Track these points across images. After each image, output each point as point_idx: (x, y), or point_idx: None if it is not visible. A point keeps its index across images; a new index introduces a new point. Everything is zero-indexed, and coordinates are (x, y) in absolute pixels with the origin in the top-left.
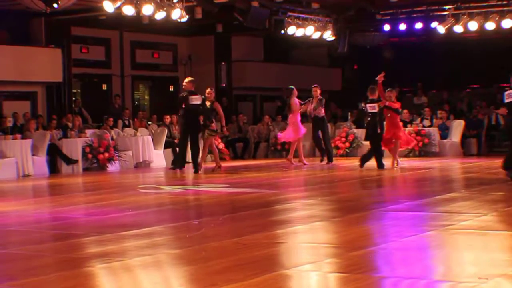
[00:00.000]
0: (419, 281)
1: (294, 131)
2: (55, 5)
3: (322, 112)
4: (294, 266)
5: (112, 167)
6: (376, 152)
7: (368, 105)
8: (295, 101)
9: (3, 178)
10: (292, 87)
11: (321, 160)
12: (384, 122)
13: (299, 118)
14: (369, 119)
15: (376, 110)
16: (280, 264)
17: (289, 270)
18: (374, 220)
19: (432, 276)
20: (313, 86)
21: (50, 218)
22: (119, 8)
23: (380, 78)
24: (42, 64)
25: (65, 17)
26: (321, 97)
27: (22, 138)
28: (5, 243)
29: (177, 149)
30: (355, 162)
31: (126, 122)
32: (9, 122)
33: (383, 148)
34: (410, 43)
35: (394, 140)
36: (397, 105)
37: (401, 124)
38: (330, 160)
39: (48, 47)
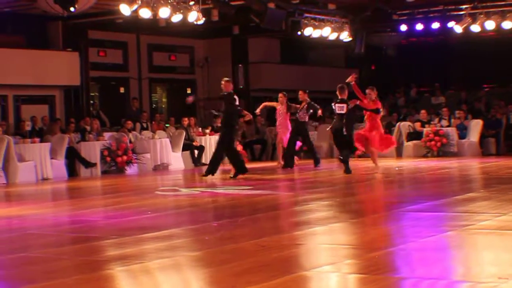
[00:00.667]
0: (438, 281)
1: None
2: (72, 9)
3: (306, 117)
4: (313, 268)
5: (131, 170)
6: (344, 155)
7: (337, 105)
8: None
9: (22, 181)
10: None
11: (284, 166)
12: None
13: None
14: (334, 120)
15: (344, 111)
16: (299, 265)
17: (308, 271)
18: (393, 220)
19: (452, 277)
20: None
21: (69, 221)
22: (135, 11)
23: (351, 79)
24: (60, 68)
25: (82, 21)
26: (310, 102)
27: (42, 141)
28: (25, 246)
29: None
30: (372, 163)
31: (144, 125)
32: (28, 126)
33: (356, 146)
34: (427, 43)
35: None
36: (375, 105)
37: (380, 125)
38: (317, 163)
39: (66, 50)
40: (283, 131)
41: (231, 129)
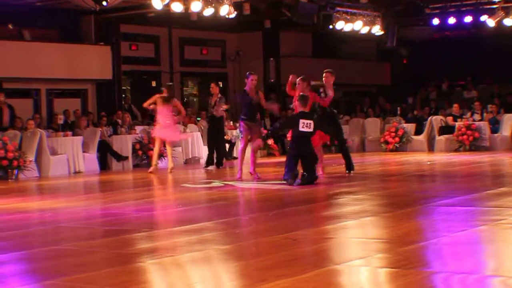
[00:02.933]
0: (470, 276)
1: None
2: (104, 3)
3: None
4: (344, 262)
5: (162, 163)
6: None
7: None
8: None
9: (54, 175)
10: None
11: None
12: None
13: None
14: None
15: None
16: (330, 259)
17: (339, 265)
18: (425, 215)
19: (483, 271)
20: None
21: (100, 214)
22: (167, 5)
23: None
24: (92, 62)
25: (114, 15)
26: (221, 95)
27: (73, 135)
28: (57, 239)
29: None
30: (405, 157)
31: None
32: (60, 120)
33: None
34: (460, 36)
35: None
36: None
37: None
38: (219, 164)
39: (98, 44)
40: None
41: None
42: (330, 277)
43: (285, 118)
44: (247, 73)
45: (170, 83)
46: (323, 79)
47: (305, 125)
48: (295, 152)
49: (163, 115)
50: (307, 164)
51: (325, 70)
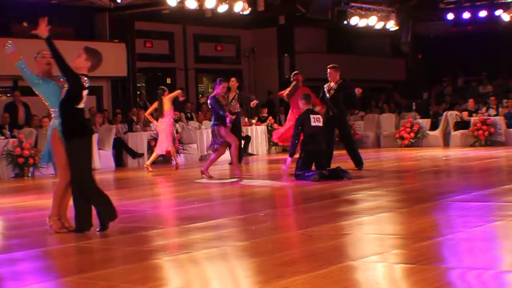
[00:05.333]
0: (486, 271)
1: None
2: (118, 0)
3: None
4: (360, 258)
5: (178, 160)
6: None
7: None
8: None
9: None
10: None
11: None
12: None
13: None
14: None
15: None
16: (346, 255)
17: (355, 261)
18: (441, 210)
19: (500, 267)
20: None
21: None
22: (182, 1)
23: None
24: (107, 59)
25: (129, 12)
26: (239, 91)
27: None
28: (73, 236)
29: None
30: (420, 152)
31: (188, 115)
32: None
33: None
34: (474, 31)
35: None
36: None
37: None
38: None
39: (113, 42)
40: None
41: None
42: (346, 273)
43: (295, 127)
44: (218, 79)
45: (160, 88)
46: (328, 75)
47: (316, 120)
48: (312, 148)
49: (162, 121)
50: (322, 160)
51: (328, 66)
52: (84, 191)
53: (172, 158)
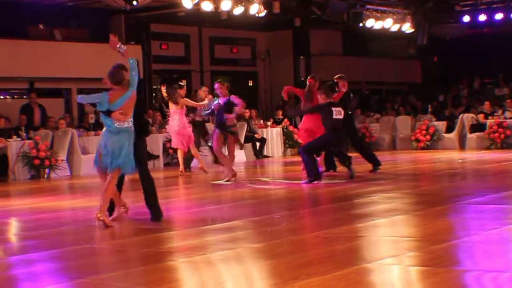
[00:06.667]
0: (502, 274)
1: None
2: (134, 3)
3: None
4: (375, 260)
5: (193, 162)
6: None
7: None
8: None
9: (85, 174)
10: None
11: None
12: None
13: None
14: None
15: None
16: (361, 257)
17: (370, 263)
18: (456, 213)
19: None
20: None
21: (132, 213)
22: (197, 4)
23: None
24: (122, 61)
25: (145, 14)
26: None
27: None
28: (89, 238)
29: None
30: (436, 155)
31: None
32: (91, 119)
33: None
34: (491, 34)
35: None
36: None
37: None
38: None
39: (128, 44)
40: None
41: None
42: (361, 276)
43: (317, 106)
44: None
45: (177, 84)
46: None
47: (338, 113)
48: (334, 139)
49: (171, 119)
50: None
51: (336, 78)
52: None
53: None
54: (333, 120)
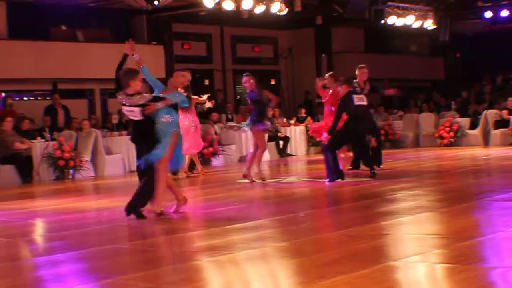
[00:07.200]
0: None
1: None
2: (156, 2)
3: None
4: (401, 258)
5: (216, 161)
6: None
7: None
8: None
9: (110, 174)
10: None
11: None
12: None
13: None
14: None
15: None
16: (387, 255)
17: (396, 261)
18: (481, 210)
19: None
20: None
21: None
22: (219, 3)
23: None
24: (145, 61)
25: (166, 14)
26: None
27: (128, 134)
28: (115, 238)
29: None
30: (460, 152)
31: (229, 116)
32: (114, 119)
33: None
34: None
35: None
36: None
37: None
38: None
39: (151, 44)
40: None
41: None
42: (387, 274)
43: (337, 108)
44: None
45: None
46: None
47: (359, 99)
48: (355, 128)
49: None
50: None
51: (360, 66)
52: None
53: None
54: (354, 107)
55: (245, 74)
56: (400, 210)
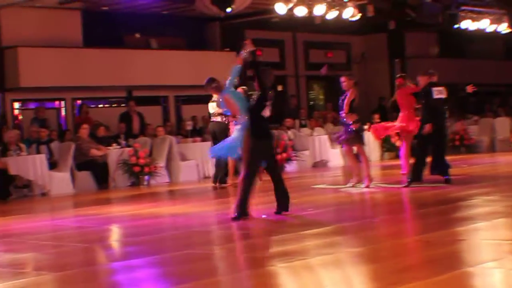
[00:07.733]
0: None
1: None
2: (229, 10)
3: None
4: (477, 264)
5: (290, 167)
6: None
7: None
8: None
9: (184, 180)
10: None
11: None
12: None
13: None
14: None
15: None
16: (463, 261)
17: (472, 267)
18: None
19: None
20: None
21: (230, 219)
22: (291, 9)
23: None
24: (218, 68)
25: (239, 21)
26: None
27: (202, 141)
28: (189, 243)
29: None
30: None
31: (303, 122)
32: (189, 126)
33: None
34: None
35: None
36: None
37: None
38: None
39: (224, 50)
40: None
41: None
42: (463, 280)
43: (422, 104)
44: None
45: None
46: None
47: (439, 92)
48: (437, 122)
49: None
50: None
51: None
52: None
53: None
54: (433, 101)
55: (346, 74)
56: (476, 215)
